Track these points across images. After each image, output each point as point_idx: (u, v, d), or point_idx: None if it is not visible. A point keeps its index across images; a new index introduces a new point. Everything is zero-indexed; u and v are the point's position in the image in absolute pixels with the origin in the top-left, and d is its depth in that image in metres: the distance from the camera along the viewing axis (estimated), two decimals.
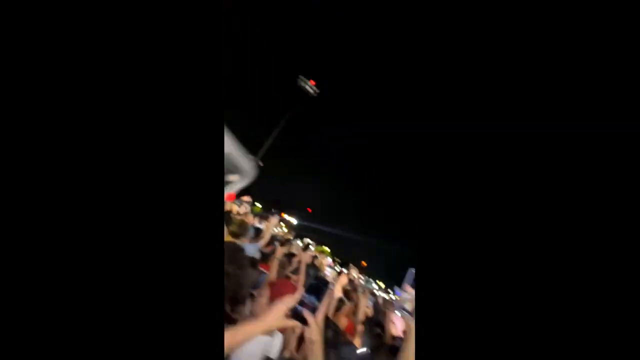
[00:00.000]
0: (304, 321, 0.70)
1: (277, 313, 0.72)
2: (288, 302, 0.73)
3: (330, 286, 0.94)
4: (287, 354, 1.28)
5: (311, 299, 0.73)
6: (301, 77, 18.27)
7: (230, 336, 0.75)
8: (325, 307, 0.75)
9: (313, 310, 0.71)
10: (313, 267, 3.47)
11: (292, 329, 1.35)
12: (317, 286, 0.75)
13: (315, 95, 18.72)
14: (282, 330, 1.33)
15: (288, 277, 2.11)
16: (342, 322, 1.92)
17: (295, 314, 0.71)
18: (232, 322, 1.47)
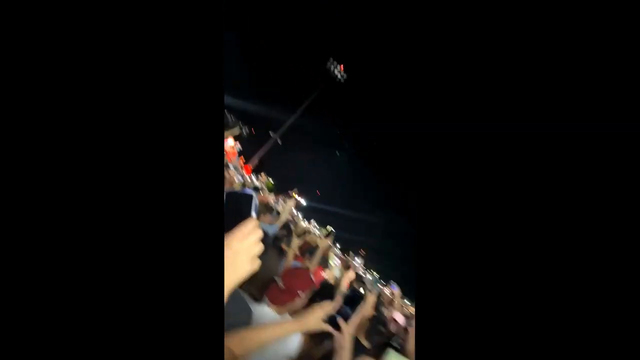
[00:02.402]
0: (337, 328, 0.76)
1: (316, 316, 0.78)
2: (327, 308, 0.78)
3: (363, 298, 1.00)
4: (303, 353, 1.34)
5: (346, 309, 0.79)
6: (332, 59, 17.93)
7: (269, 331, 0.81)
8: (358, 318, 0.80)
9: (346, 319, 0.77)
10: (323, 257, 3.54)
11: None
12: (353, 298, 0.83)
13: (341, 80, 18.41)
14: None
15: (299, 262, 2.18)
16: None
17: (330, 320, 0.77)
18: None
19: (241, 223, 0.49)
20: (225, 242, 0.47)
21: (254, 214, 0.51)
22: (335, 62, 18.01)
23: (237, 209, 0.51)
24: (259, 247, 0.50)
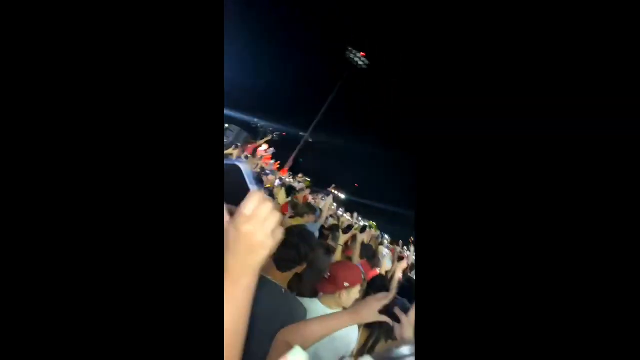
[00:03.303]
0: (396, 319, 0.76)
1: (371, 308, 0.79)
2: (382, 299, 0.79)
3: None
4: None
5: (402, 300, 0.78)
6: (350, 48, 17.60)
7: (324, 323, 0.85)
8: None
9: (403, 309, 0.76)
10: (368, 246, 3.55)
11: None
12: (409, 287, 0.80)
13: (364, 67, 17.99)
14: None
15: (349, 258, 2.21)
16: None
17: (387, 311, 0.77)
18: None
19: (243, 199, 0.44)
20: (235, 226, 0.44)
21: (251, 186, 0.46)
22: (354, 51, 17.66)
23: (229, 183, 0.45)
24: (275, 218, 0.45)
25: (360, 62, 18.05)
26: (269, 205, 0.45)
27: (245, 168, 0.47)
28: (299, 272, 1.21)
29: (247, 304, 0.47)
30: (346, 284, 1.42)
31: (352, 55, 17.83)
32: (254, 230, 0.44)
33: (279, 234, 0.46)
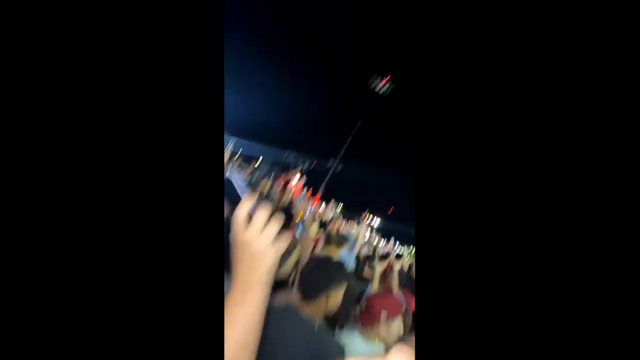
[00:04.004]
0: None
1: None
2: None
3: None
4: None
5: None
6: (374, 76, 17.99)
7: None
8: None
9: None
10: (406, 273, 3.37)
11: None
12: None
13: (389, 92, 18.17)
14: None
15: (388, 288, 2.09)
16: None
17: None
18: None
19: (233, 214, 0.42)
20: (233, 235, 0.43)
21: (243, 195, 0.45)
22: (378, 78, 17.99)
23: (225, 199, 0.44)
24: (276, 224, 0.43)
25: (385, 89, 18.27)
26: (265, 212, 0.43)
27: (236, 179, 0.46)
28: (329, 302, 1.14)
29: (254, 320, 0.44)
30: (384, 315, 1.32)
31: (374, 84, 18.15)
32: (252, 238, 0.43)
33: (284, 242, 0.44)
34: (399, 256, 2.72)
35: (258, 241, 0.43)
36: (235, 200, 0.46)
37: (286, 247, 0.45)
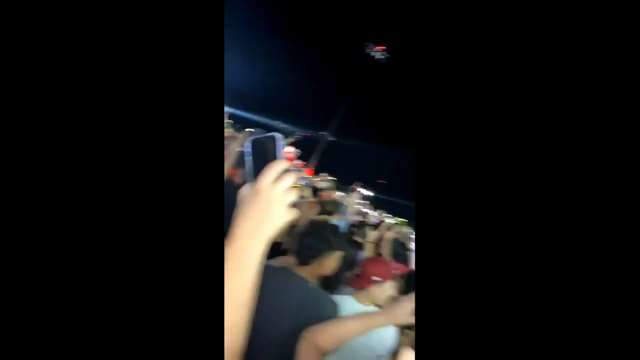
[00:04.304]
0: None
1: (405, 309, 0.73)
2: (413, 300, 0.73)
3: None
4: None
5: None
6: (368, 43, 17.39)
7: (356, 323, 0.79)
8: None
9: None
10: (397, 242, 3.45)
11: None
12: None
13: (385, 61, 17.69)
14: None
15: (380, 254, 2.14)
16: None
17: None
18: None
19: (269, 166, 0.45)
20: (256, 187, 0.44)
21: (281, 156, 0.47)
22: (373, 46, 17.42)
23: (262, 154, 0.47)
24: (293, 194, 0.45)
25: (380, 56, 17.78)
26: (291, 179, 0.45)
27: (279, 139, 0.48)
28: (324, 266, 1.15)
29: (252, 278, 0.44)
30: (376, 279, 1.36)
31: (371, 51, 17.60)
32: (272, 198, 0.44)
33: (292, 213, 0.46)
34: (390, 225, 2.77)
35: (276, 203, 0.45)
36: (274, 158, 0.47)
37: (297, 197, 0.47)
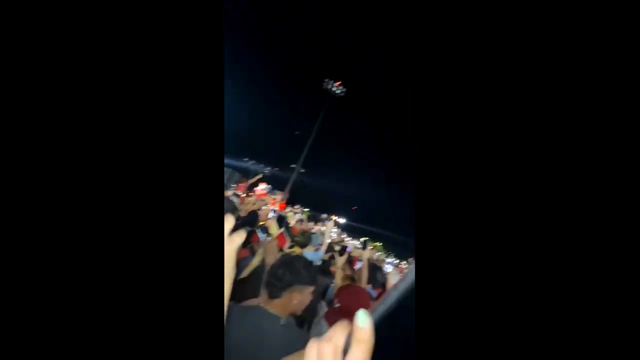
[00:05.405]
0: None
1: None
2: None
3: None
4: None
5: None
6: (326, 80, 18.36)
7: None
8: None
9: None
10: (374, 266, 3.48)
11: None
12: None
13: (342, 95, 18.67)
14: None
15: (353, 280, 2.15)
16: None
17: None
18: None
19: None
20: None
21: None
22: (331, 81, 18.41)
23: None
24: (229, 224, 0.47)
25: (338, 91, 18.76)
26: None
27: None
28: (294, 300, 1.16)
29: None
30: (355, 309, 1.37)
31: (329, 86, 18.55)
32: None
33: (237, 240, 0.47)
34: (362, 248, 2.80)
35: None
36: None
37: (240, 244, 0.48)
